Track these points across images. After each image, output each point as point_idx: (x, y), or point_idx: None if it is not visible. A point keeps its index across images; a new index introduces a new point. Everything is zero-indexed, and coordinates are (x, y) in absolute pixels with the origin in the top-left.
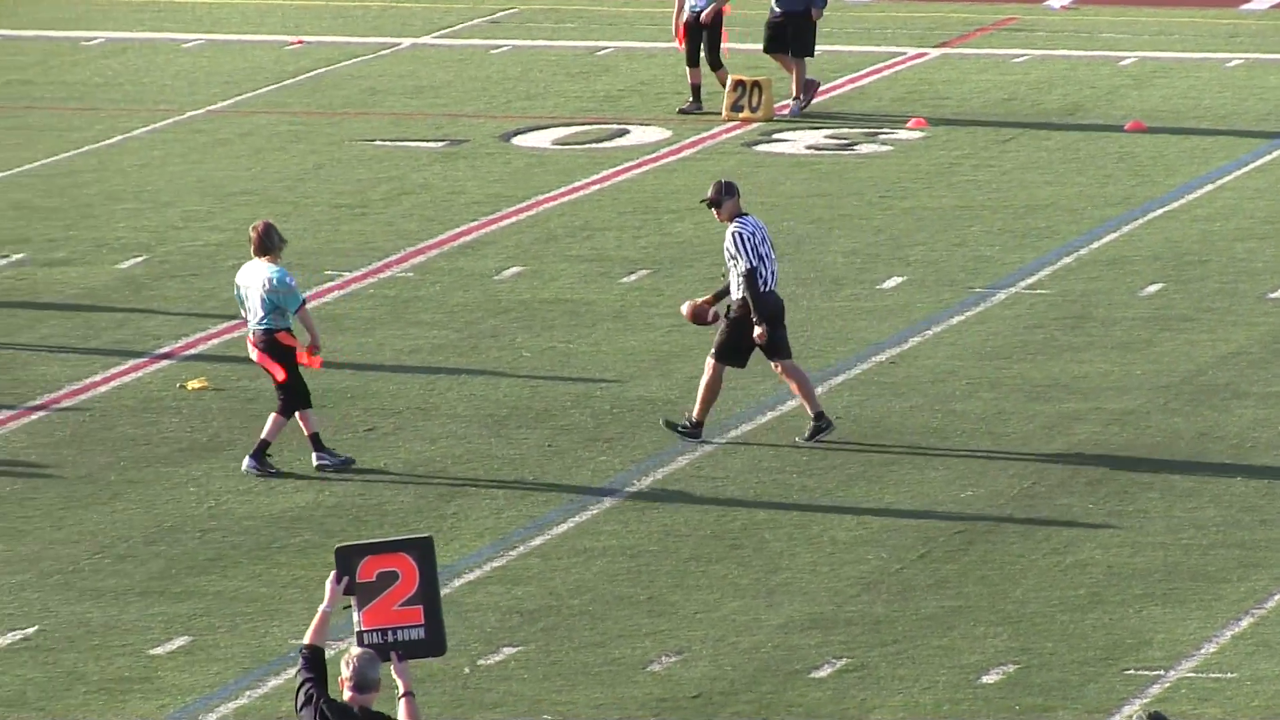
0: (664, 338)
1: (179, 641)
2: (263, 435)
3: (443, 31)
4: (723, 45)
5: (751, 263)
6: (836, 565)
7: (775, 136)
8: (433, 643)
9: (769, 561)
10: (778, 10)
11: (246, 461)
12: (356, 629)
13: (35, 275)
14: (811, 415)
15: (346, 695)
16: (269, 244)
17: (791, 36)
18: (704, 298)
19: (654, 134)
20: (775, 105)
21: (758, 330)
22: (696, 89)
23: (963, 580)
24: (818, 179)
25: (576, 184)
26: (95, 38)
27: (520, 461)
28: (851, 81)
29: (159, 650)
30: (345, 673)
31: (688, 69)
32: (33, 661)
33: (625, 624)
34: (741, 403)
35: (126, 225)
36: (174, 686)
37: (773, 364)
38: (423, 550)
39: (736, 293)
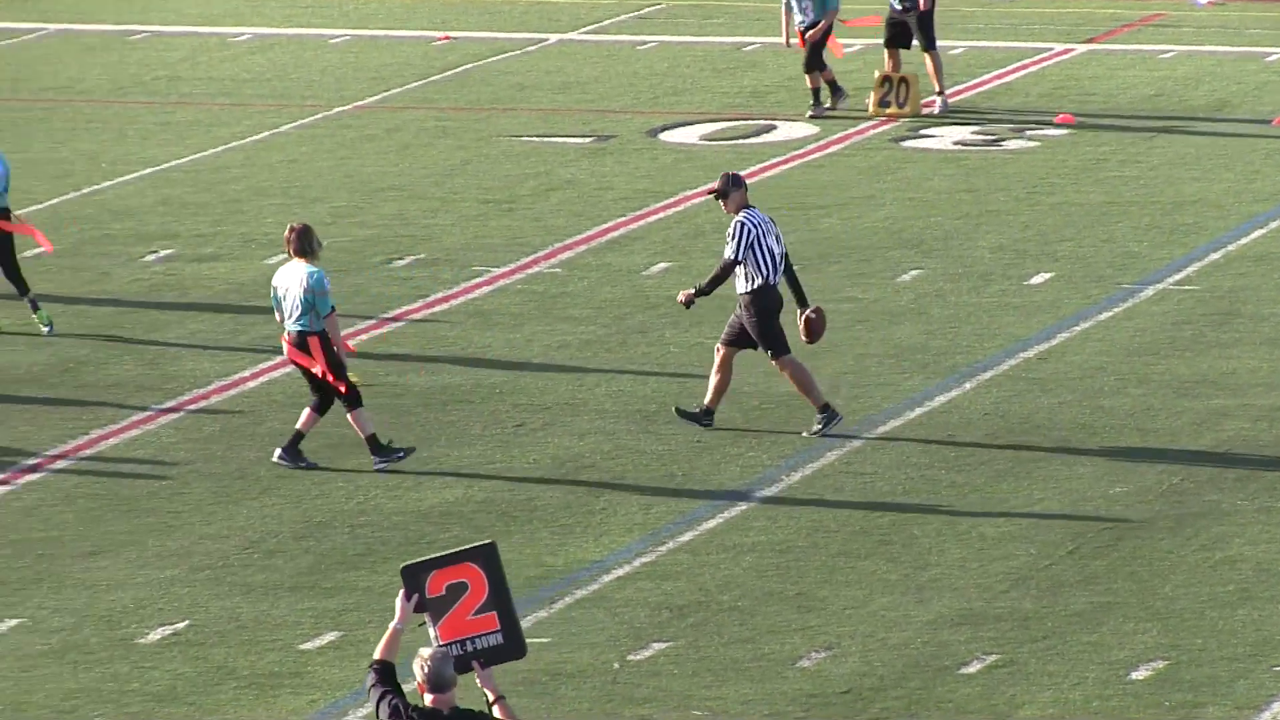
0: None
1: (329, 636)
2: (363, 436)
3: (590, 27)
4: (830, 48)
5: (738, 255)
6: (985, 561)
7: (922, 132)
8: (512, 646)
9: (918, 557)
10: (898, 6)
11: (375, 462)
12: (435, 644)
13: (184, 271)
14: (705, 406)
15: (427, 699)
16: (306, 246)
17: (917, 31)
18: (807, 313)
19: (801, 129)
20: (921, 101)
21: (683, 294)
22: (832, 83)
23: (1112, 576)
24: (965, 175)
25: None
26: (243, 34)
27: (669, 457)
28: (999, 77)
29: (309, 645)
30: (420, 675)
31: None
32: (183, 656)
33: (774, 620)
34: (890, 399)
35: (274, 221)
36: (324, 681)
37: (720, 347)
38: (487, 556)
39: (744, 284)
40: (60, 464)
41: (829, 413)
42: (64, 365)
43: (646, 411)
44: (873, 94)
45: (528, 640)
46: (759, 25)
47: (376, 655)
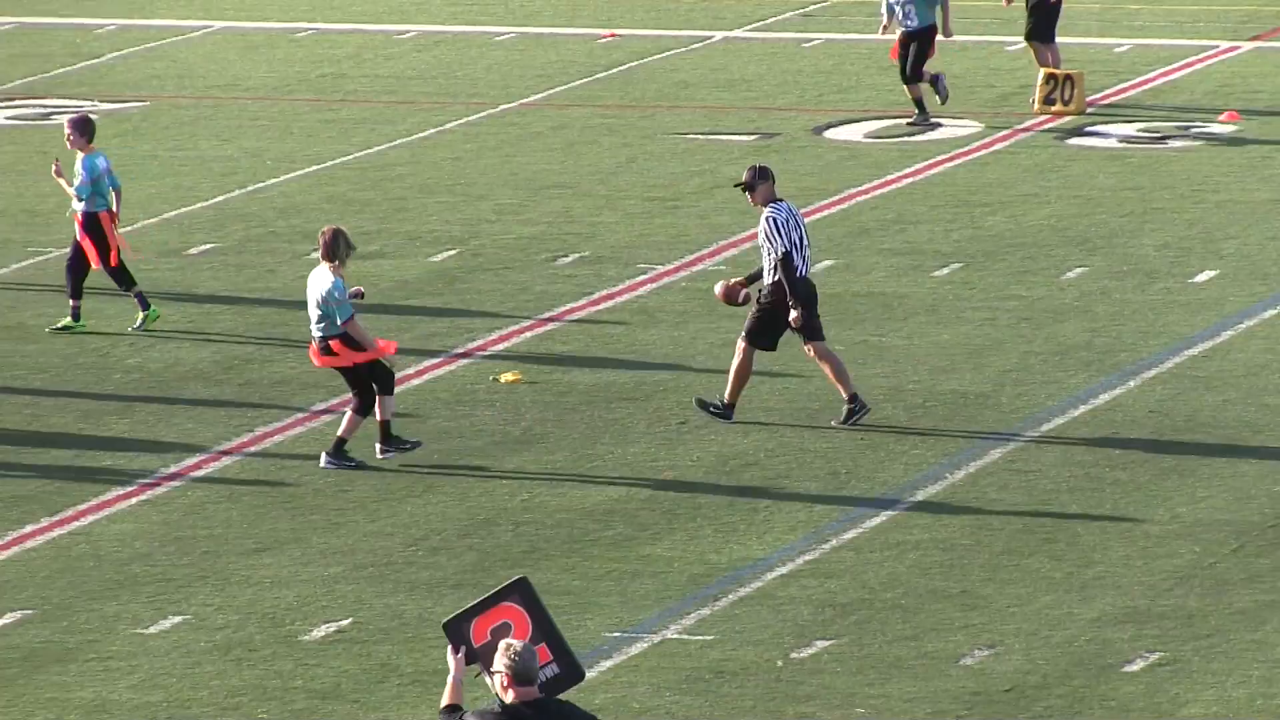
0: (976, 331)
1: None
2: (339, 432)
3: (755, 25)
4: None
5: (786, 247)
6: (1149, 559)
7: (1087, 130)
8: (570, 673)
9: (1082, 555)
10: None
11: (323, 460)
12: (495, 691)
13: (349, 268)
14: (845, 398)
15: (509, 696)
16: (334, 251)
17: (1033, 19)
18: (737, 279)
19: (966, 127)
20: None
21: (794, 314)
22: (919, 103)
23: (1276, 574)
24: (1130, 172)
25: (888, 177)
26: (408, 31)
27: (833, 455)
28: (1163, 75)
29: None
30: (505, 667)
31: (905, 86)
32: (347, 654)
33: (938, 617)
34: (1054, 396)
35: (439, 218)
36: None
37: (805, 347)
38: (522, 591)
39: (769, 277)
40: (225, 461)
41: (729, 412)
42: (229, 362)
43: (810, 409)
44: (1037, 91)
45: (691, 638)
46: None
47: (444, 702)
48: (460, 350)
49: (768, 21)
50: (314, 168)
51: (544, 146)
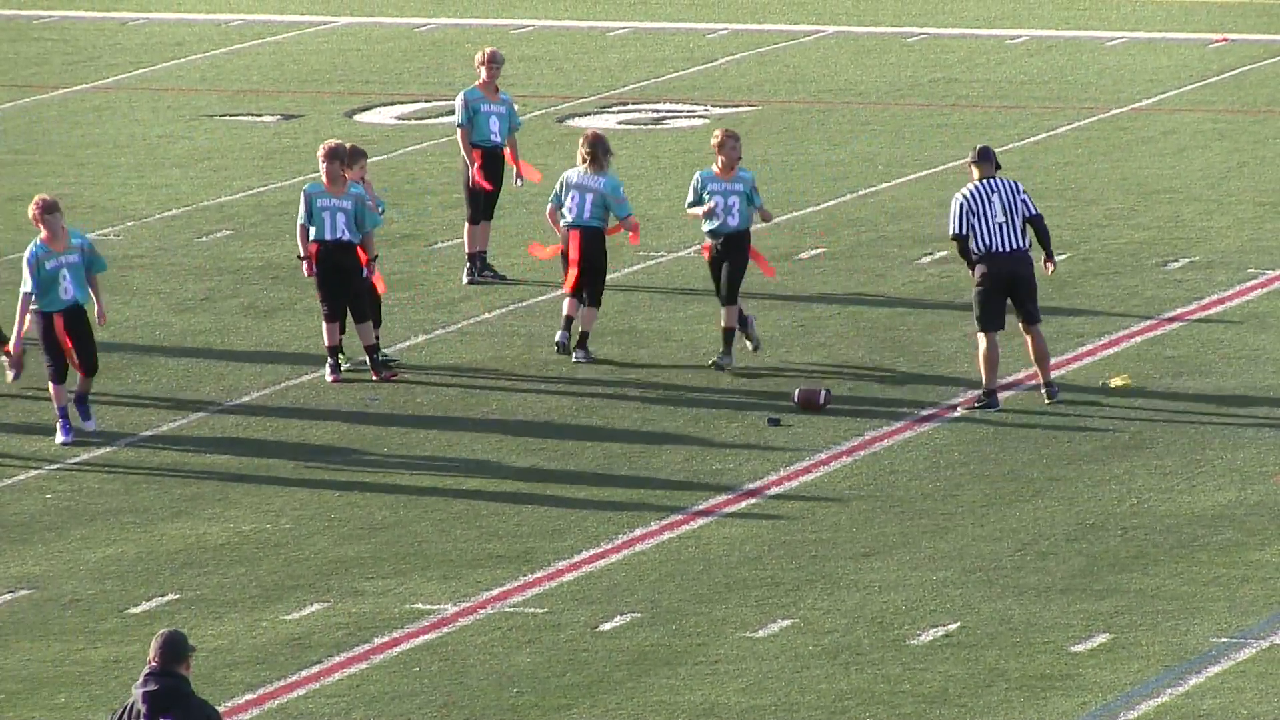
0: None
1: (1099, 639)
2: (584, 328)
3: None
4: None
5: (957, 231)
6: None
7: None
8: None
9: None
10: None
11: (577, 354)
12: None
13: (959, 274)
14: (1045, 382)
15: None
16: (598, 154)
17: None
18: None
19: None
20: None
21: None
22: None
23: None
24: None
25: None
26: (1019, 36)
27: None
28: None
29: (1080, 647)
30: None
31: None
32: (954, 658)
33: None
34: None
35: (1049, 223)
36: (1094, 684)
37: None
38: None
39: (971, 256)
40: (832, 466)
41: (993, 398)
42: (837, 367)
43: None
44: None
45: None
46: None
47: None
48: (1070, 354)
49: None
50: (925, 172)
51: (1154, 151)
